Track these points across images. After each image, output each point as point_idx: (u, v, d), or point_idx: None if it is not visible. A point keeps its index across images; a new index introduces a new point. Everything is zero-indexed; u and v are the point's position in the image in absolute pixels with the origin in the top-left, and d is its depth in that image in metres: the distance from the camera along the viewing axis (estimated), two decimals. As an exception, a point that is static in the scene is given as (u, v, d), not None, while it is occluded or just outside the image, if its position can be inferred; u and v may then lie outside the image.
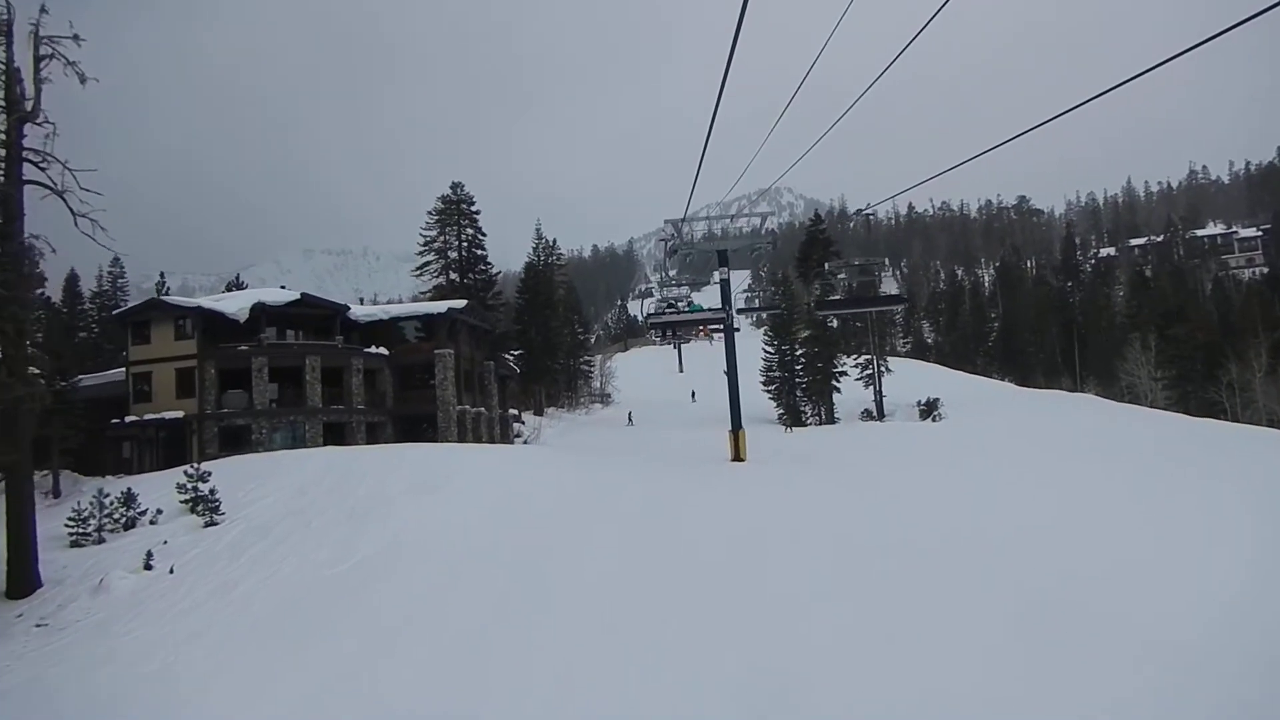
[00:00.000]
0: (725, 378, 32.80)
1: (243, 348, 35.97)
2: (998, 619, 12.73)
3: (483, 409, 43.68)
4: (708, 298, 38.89)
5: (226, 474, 27.24)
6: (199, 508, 24.63)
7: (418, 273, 60.94)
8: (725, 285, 32.29)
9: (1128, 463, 26.84)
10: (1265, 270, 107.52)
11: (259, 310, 36.18)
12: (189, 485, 24.90)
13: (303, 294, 39.08)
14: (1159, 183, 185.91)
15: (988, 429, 40.62)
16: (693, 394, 69.47)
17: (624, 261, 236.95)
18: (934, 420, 50.07)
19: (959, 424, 45.08)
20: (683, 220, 30.89)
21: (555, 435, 53.68)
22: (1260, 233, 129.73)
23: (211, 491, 24.80)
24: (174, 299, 40.70)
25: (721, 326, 33.32)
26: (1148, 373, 58.14)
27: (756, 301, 68.25)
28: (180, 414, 35.00)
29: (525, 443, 49.33)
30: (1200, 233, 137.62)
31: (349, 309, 39.86)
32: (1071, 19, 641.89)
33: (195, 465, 25.94)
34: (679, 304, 34.41)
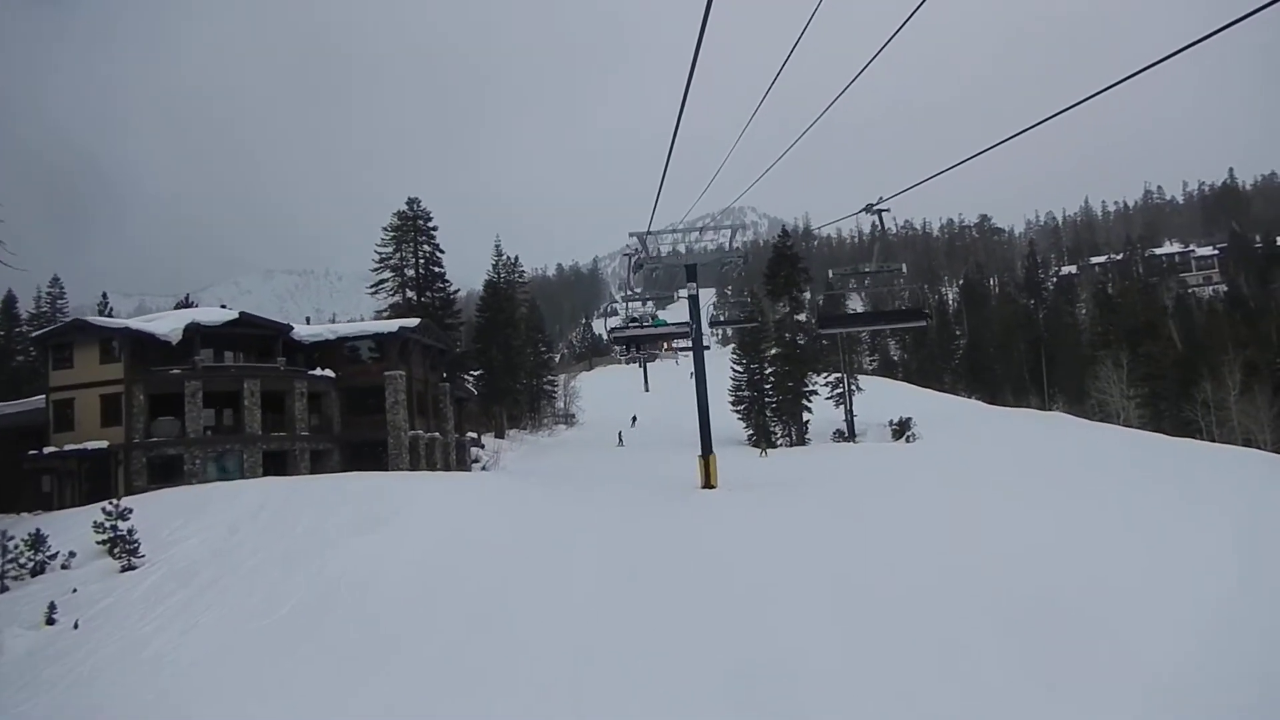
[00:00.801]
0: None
1: (175, 371, 33.31)
2: (1000, 647, 12.68)
3: (437, 434, 41.33)
4: (673, 315, 37.15)
5: (151, 510, 25.30)
6: (116, 550, 22.42)
7: (372, 291, 58.67)
8: (694, 301, 30.50)
9: (1115, 484, 25.47)
10: (1224, 289, 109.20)
11: (193, 331, 33.53)
12: (107, 524, 22.70)
13: (241, 313, 36.48)
14: (1115, 202, 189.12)
15: (965, 449, 39.21)
16: (633, 418, 65.32)
17: (589, 280, 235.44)
18: (908, 440, 48.80)
19: (935, 444, 43.79)
20: (648, 233, 29.09)
21: (516, 460, 51.49)
22: (1216, 251, 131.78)
23: (130, 531, 22.58)
24: (99, 319, 37.75)
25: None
26: (1120, 391, 57.39)
27: (723, 317, 66.56)
28: (104, 444, 32.22)
29: (483, 469, 47.05)
30: (1158, 251, 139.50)
31: (292, 329, 37.24)
32: (1032, 44, 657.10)
33: (114, 501, 23.58)
34: (643, 320, 32.63)
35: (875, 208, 11.13)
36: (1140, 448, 36.92)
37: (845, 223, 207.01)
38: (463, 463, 45.39)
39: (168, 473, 32.56)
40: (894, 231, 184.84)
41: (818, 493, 27.20)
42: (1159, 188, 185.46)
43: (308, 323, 43.12)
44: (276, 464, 34.59)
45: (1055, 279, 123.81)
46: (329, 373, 37.34)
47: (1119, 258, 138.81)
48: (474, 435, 53.84)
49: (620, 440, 55.80)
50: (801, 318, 56.98)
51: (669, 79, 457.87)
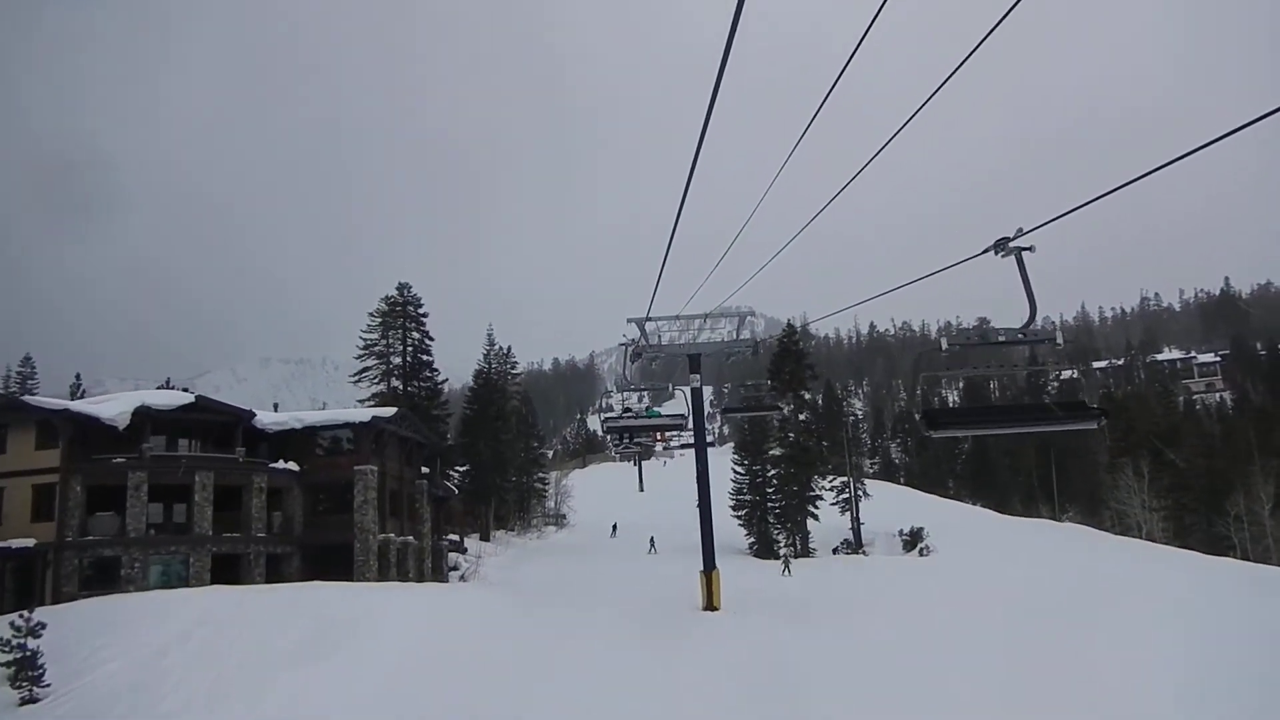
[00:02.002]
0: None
1: (118, 460, 29.85)
2: None
3: (411, 537, 37.54)
4: (668, 412, 34.41)
5: (73, 624, 22.09)
6: (20, 676, 18.98)
7: (355, 379, 55.58)
8: (697, 394, 27.66)
9: (1185, 634, 21.65)
10: (1229, 395, 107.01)
11: (143, 415, 30.15)
12: (14, 641, 19.26)
13: (198, 397, 33.25)
14: (1113, 308, 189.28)
15: (989, 567, 35.65)
16: (614, 527, 61.15)
17: (585, 375, 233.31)
18: (921, 554, 45.28)
19: (955, 560, 40.22)
20: (647, 319, 26.47)
21: (499, 566, 47.51)
22: (1218, 358, 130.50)
23: (35, 653, 19.12)
24: (37, 399, 34.40)
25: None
26: (1141, 502, 53.98)
27: (727, 405, 63.07)
28: (31, 542, 28.53)
29: (462, 578, 42.99)
30: (1159, 357, 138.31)
31: (254, 415, 33.85)
32: (1024, 146, 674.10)
33: (26, 614, 20.14)
34: (638, 413, 30.01)
35: (1012, 243, 8.11)
36: (1189, 572, 33.34)
37: (843, 321, 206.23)
38: (439, 570, 41.40)
39: (103, 577, 28.78)
40: (891, 333, 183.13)
41: (838, 624, 23.80)
42: (1155, 294, 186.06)
43: (275, 409, 39.71)
44: (228, 569, 30.85)
45: (1057, 383, 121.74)
46: (293, 466, 33.82)
47: (1120, 363, 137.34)
48: (454, 538, 49.89)
49: (653, 547, 51.09)
50: (804, 417, 54.06)
51: (657, 164, 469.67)
